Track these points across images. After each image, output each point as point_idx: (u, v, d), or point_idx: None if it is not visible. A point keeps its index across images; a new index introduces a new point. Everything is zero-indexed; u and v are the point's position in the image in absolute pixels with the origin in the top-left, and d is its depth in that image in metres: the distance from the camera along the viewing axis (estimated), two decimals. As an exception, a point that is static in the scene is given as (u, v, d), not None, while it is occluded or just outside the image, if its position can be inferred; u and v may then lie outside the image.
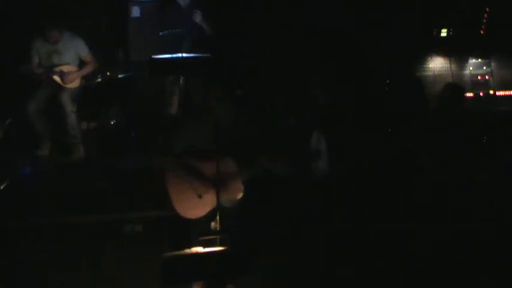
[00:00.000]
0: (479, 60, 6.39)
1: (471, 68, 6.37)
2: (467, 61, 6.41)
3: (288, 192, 5.34)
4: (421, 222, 4.75)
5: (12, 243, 4.70)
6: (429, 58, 6.38)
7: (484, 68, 6.39)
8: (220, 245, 3.49)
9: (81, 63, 6.27)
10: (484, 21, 6.42)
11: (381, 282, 4.22)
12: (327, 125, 5.86)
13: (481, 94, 6.35)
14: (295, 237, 4.87)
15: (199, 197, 3.92)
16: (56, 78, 6.12)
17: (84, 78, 6.32)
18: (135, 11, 6.83)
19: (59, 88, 6.15)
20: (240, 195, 3.94)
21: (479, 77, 6.36)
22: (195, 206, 3.92)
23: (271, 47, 6.73)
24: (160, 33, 6.44)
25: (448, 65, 6.33)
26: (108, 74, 6.71)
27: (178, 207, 3.93)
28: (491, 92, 6.34)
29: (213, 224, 3.87)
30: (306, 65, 6.55)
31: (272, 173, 3.96)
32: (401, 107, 6.07)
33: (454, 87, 5.74)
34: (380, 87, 6.31)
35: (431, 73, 6.33)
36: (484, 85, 6.38)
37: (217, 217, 3.74)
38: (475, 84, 6.37)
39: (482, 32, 6.45)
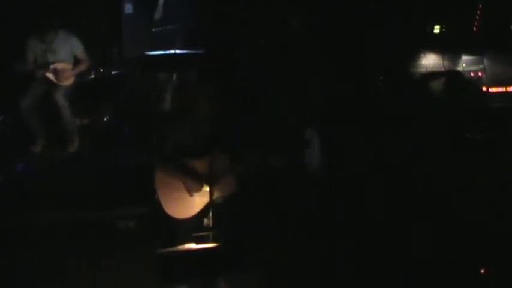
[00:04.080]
0: (472, 56, 6.40)
1: (464, 65, 6.38)
2: (460, 57, 6.41)
3: (284, 190, 5.36)
4: (419, 221, 4.77)
5: (5, 240, 4.69)
6: (422, 54, 6.39)
7: (477, 64, 6.40)
8: (213, 242, 3.49)
9: (76, 61, 6.25)
10: (477, 17, 6.43)
11: (381, 282, 4.24)
12: (322, 123, 5.89)
13: (474, 90, 6.37)
14: (293, 235, 4.89)
15: (191, 195, 3.90)
16: (50, 76, 6.11)
17: (77, 75, 6.30)
18: (128, 8, 6.81)
19: (53, 86, 6.14)
20: (232, 192, 3.92)
21: (472, 74, 6.37)
22: (186, 205, 3.90)
23: (268, 43, 6.74)
24: (153, 30, 6.43)
25: (441, 62, 6.34)
26: (101, 70, 6.70)
27: (168, 207, 3.91)
28: (484, 88, 6.35)
29: (205, 220, 3.86)
30: (302, 62, 6.57)
31: (265, 169, 3.95)
32: (395, 104, 6.09)
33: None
34: (373, 84, 6.32)
35: (424, 69, 6.34)
36: (477, 81, 6.39)
37: (210, 214, 3.74)
38: (468, 81, 6.39)
39: (475, 28, 6.46)
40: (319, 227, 4.93)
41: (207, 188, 3.88)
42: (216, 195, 3.80)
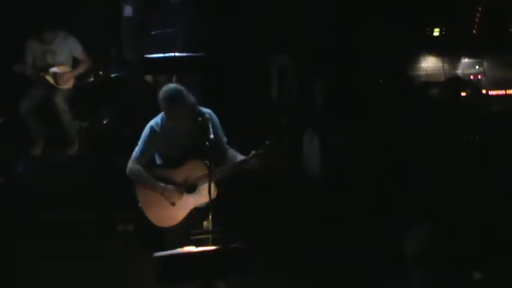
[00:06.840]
0: (472, 59, 6.39)
1: (463, 68, 6.37)
2: (459, 60, 6.40)
3: (283, 191, 5.36)
4: (416, 222, 4.76)
5: (4, 240, 4.71)
6: (421, 57, 6.38)
7: (477, 67, 6.38)
8: (212, 244, 3.48)
9: (75, 63, 6.26)
10: (477, 20, 6.43)
11: (380, 282, 4.23)
12: (321, 125, 5.89)
13: (474, 94, 6.35)
14: (290, 236, 4.88)
15: (173, 204, 3.89)
16: (50, 79, 6.11)
17: (77, 77, 6.31)
18: (128, 11, 6.81)
19: (52, 88, 6.14)
20: (215, 196, 3.88)
21: (471, 77, 6.36)
22: (169, 214, 3.88)
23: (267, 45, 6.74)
24: (153, 33, 6.43)
25: (441, 65, 6.33)
26: (101, 73, 6.70)
27: (152, 217, 3.89)
28: (483, 91, 6.34)
29: (205, 223, 3.85)
30: (301, 64, 6.57)
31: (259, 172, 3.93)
32: (394, 106, 6.08)
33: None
34: (372, 86, 6.31)
35: (424, 72, 6.33)
36: (477, 84, 6.37)
37: (210, 216, 3.73)
38: (468, 84, 6.37)
39: (474, 31, 6.45)
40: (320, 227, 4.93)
41: (187, 196, 3.87)
42: (201, 200, 3.80)
